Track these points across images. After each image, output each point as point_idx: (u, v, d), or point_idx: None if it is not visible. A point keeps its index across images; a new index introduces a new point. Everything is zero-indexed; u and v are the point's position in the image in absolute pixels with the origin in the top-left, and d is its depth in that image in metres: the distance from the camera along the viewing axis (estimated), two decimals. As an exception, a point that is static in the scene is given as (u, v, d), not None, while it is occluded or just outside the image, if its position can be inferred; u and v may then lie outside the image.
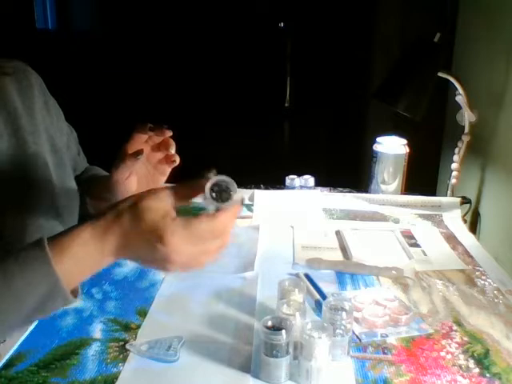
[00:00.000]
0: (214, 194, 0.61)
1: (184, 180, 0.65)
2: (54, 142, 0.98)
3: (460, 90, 1.26)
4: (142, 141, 0.97)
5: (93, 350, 0.70)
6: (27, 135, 0.90)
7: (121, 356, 0.69)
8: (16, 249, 0.63)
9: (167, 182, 1.06)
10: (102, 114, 3.53)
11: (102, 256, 0.61)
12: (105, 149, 1.30)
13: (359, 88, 2.69)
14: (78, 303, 0.82)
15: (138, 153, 0.95)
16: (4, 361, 0.67)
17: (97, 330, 0.74)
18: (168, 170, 1.01)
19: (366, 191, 1.31)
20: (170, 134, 0.97)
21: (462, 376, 0.67)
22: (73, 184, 1.01)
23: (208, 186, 0.61)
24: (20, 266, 0.61)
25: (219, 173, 0.63)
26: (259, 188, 1.30)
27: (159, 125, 0.96)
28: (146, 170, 1.02)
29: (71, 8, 4.60)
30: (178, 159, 0.98)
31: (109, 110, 3.66)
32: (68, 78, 2.88)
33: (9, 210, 0.85)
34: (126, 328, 0.75)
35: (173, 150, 0.97)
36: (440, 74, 1.25)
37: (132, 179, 1.00)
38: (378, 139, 1.28)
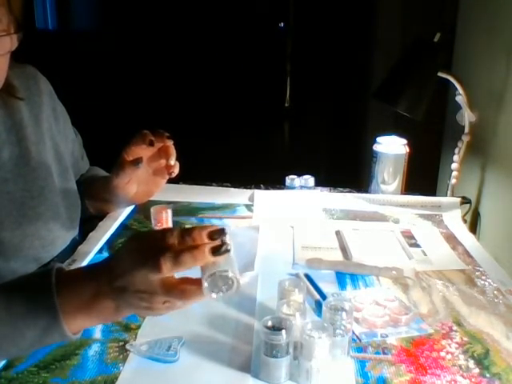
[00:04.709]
0: (213, 288, 0.57)
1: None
2: (58, 150, 0.96)
3: (460, 90, 1.26)
4: (142, 147, 0.96)
5: (93, 350, 0.70)
6: (31, 145, 0.89)
7: (121, 356, 0.69)
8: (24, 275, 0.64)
9: (168, 182, 1.06)
10: (103, 113, 3.53)
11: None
12: (105, 149, 1.30)
13: (359, 88, 2.69)
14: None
15: (138, 161, 0.94)
16: (4, 361, 0.66)
17: (97, 330, 0.74)
18: (168, 176, 1.01)
19: (366, 191, 1.31)
20: (170, 142, 0.96)
21: (462, 376, 0.67)
22: (75, 191, 1.00)
23: (205, 280, 0.57)
24: (24, 292, 0.61)
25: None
26: (259, 188, 1.30)
27: (160, 133, 0.96)
28: (146, 173, 1.01)
29: (71, 8, 4.61)
30: (177, 170, 0.98)
31: (109, 109, 3.66)
32: (68, 77, 2.88)
33: (8, 220, 0.83)
34: (126, 328, 0.75)
35: (172, 161, 0.96)
36: (440, 74, 1.25)
37: (132, 183, 1.00)
38: (378, 139, 1.28)
